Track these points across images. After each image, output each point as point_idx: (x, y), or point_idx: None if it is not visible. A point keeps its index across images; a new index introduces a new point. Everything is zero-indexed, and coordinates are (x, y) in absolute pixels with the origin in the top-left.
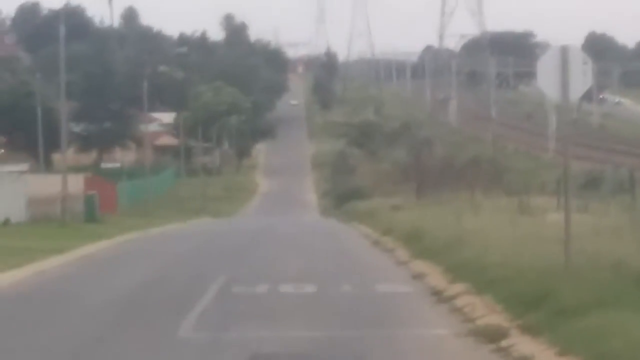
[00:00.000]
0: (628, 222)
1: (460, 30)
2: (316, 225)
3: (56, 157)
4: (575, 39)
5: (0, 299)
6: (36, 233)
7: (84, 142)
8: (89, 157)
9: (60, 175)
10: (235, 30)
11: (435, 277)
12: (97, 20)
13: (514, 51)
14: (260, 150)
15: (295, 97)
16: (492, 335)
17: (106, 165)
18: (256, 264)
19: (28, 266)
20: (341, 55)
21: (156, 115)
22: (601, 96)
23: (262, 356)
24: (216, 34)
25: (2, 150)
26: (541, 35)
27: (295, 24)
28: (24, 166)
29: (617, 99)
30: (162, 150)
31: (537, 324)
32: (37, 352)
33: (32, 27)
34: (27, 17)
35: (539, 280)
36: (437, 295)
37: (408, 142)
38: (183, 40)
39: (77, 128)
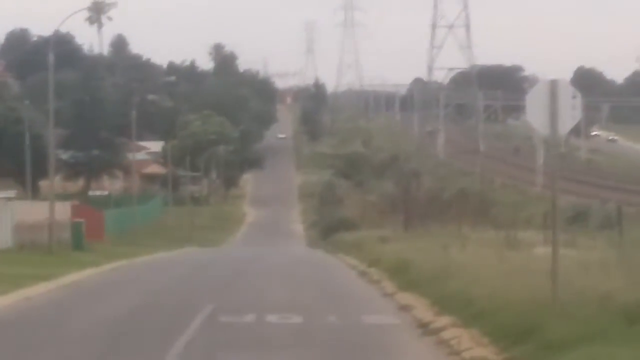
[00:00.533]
0: (615, 256)
1: (449, 63)
2: (303, 256)
3: (44, 184)
4: (564, 73)
5: None
6: (22, 260)
7: (72, 170)
8: (77, 185)
9: (47, 202)
10: (224, 60)
11: (422, 309)
12: (86, 48)
13: (502, 85)
14: (248, 180)
15: (283, 128)
16: None
17: (94, 193)
18: (243, 293)
19: (14, 293)
20: (330, 86)
21: (144, 143)
22: (594, 132)
23: None
24: (205, 63)
25: None
26: (529, 69)
27: (284, 54)
28: (10, 193)
29: (610, 136)
30: (149, 178)
31: (523, 357)
32: None
33: (21, 54)
34: (16, 43)
35: (526, 314)
36: (424, 327)
37: (396, 174)
38: (172, 69)
39: (65, 155)
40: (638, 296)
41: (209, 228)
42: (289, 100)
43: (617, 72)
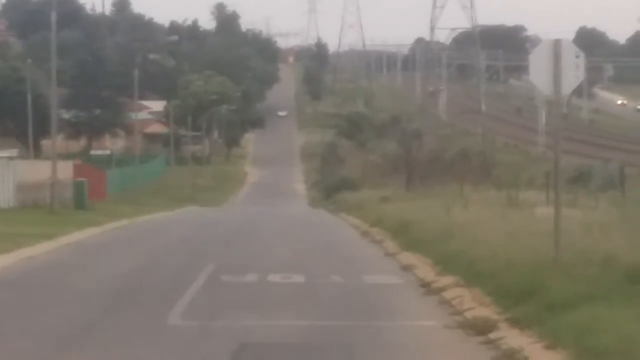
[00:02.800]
0: (617, 217)
1: (452, 23)
2: (305, 216)
3: (45, 143)
4: (566, 33)
5: None
6: (25, 219)
7: (74, 129)
8: (79, 144)
9: (49, 162)
10: (227, 20)
11: (424, 269)
12: (88, 7)
13: (504, 45)
14: (250, 140)
15: (285, 87)
16: (480, 328)
17: (96, 152)
18: (245, 253)
19: (16, 252)
20: (332, 46)
21: (146, 103)
22: (619, 102)
23: (251, 345)
24: (207, 22)
25: None
26: (532, 29)
27: (287, 14)
28: (13, 152)
29: (638, 106)
30: (151, 138)
31: (525, 317)
32: (27, 337)
33: (23, 13)
34: (18, 3)
35: (528, 274)
36: (426, 287)
37: (398, 134)
38: (174, 28)
39: (67, 115)
40: None
41: (210, 188)
42: (291, 59)
43: (619, 33)
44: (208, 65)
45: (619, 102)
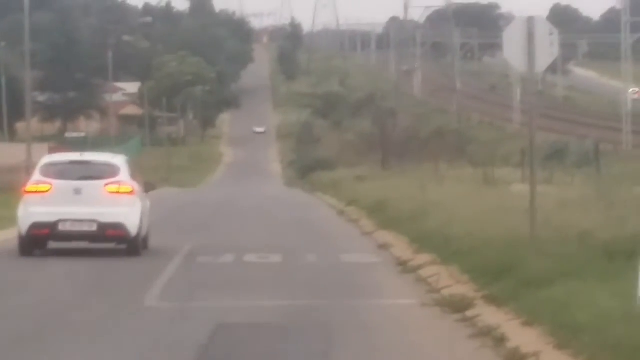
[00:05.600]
0: (593, 193)
1: (426, 1)
2: (281, 196)
3: (20, 126)
4: (540, 10)
5: None
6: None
7: (49, 112)
8: (54, 127)
9: (24, 145)
10: (200, 0)
11: (401, 247)
12: None
13: (478, 23)
14: (225, 120)
15: (259, 68)
16: (457, 306)
17: (71, 134)
18: (221, 234)
19: None
20: (306, 26)
21: (121, 85)
22: (631, 90)
23: (228, 325)
24: (181, 3)
25: None
26: (506, 6)
27: None
28: None
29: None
30: (126, 120)
31: (502, 294)
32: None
33: None
34: None
35: (505, 251)
36: (403, 265)
37: (373, 113)
38: (148, 10)
39: (42, 97)
40: (617, 232)
41: (186, 169)
42: (265, 40)
43: (593, 9)
44: (182, 47)
45: (632, 91)
